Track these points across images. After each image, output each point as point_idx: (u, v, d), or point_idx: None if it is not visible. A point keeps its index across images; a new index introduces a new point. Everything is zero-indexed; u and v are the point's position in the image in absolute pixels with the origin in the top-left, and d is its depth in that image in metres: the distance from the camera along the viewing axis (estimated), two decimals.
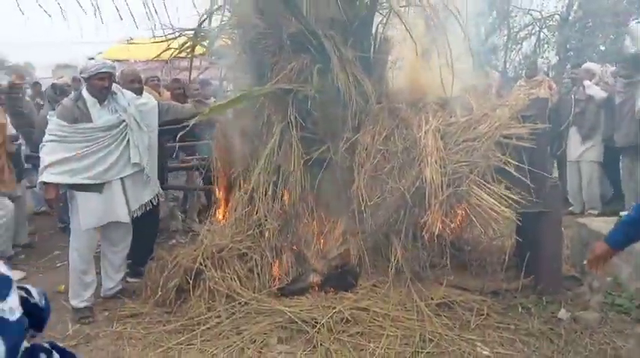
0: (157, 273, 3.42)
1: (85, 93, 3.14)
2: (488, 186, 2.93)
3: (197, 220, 5.07)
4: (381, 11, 3.64)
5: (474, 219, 2.89)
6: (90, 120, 3.09)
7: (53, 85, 5.24)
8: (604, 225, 3.31)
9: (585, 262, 2.01)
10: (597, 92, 5.20)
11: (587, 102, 5.35)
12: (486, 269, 3.31)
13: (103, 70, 3.08)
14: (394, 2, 3.49)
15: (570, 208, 5.61)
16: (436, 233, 2.87)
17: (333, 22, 3.39)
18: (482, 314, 2.80)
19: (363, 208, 3.06)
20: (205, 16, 3.60)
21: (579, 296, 2.94)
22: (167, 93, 5.35)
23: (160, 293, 3.26)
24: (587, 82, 5.40)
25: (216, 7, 3.73)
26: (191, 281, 3.18)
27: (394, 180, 3.02)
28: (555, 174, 5.93)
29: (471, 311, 2.81)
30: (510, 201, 2.90)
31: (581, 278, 3.11)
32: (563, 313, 2.73)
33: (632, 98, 4.85)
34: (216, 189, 3.63)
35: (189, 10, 4.35)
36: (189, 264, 3.24)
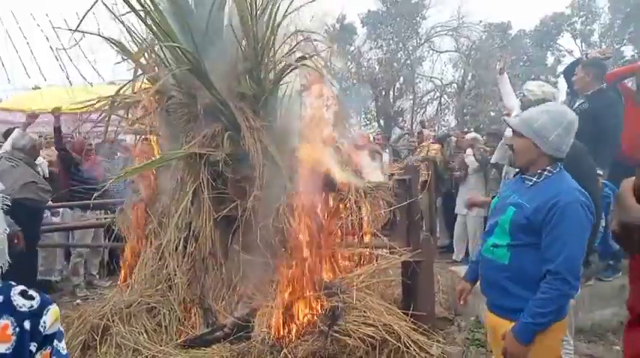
0: None
1: None
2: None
3: (97, 276, 5.08)
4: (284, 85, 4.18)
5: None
6: None
7: None
8: None
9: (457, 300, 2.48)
10: (472, 162, 6.17)
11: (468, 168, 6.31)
12: None
13: None
14: (296, 79, 4.05)
15: (454, 257, 6.38)
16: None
17: (243, 96, 3.84)
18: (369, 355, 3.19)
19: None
20: (124, 85, 3.88)
21: (449, 334, 3.46)
22: None
23: None
24: (468, 151, 6.37)
25: (137, 75, 4.04)
26: (97, 338, 3.25)
27: None
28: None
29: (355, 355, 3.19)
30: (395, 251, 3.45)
31: (452, 318, 3.66)
32: (434, 349, 3.21)
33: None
34: (127, 246, 3.78)
35: (106, 60, 4.56)
36: (96, 321, 3.32)
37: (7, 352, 0.79)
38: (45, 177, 5.42)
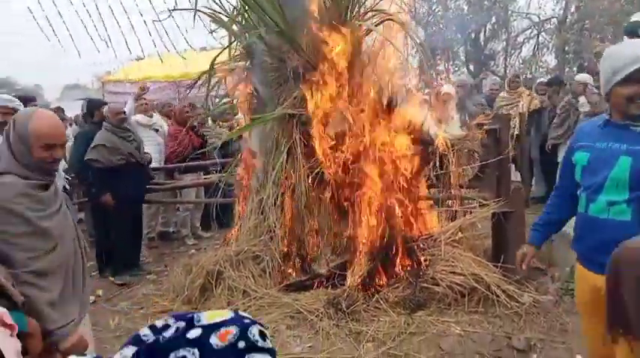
0: (182, 276, 4.01)
1: None
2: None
3: (200, 228, 5.72)
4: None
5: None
6: None
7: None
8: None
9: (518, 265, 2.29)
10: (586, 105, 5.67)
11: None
12: None
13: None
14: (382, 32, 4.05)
15: None
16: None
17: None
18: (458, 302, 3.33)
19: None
20: (220, 53, 4.18)
21: (542, 285, 3.46)
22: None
23: (186, 292, 3.84)
24: (581, 99, 5.83)
25: (230, 42, 4.33)
26: (213, 281, 3.76)
27: None
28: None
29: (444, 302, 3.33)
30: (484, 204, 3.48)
31: (544, 269, 3.63)
32: (525, 298, 3.25)
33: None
34: (239, 201, 4.22)
35: (199, 31, 4.94)
36: (211, 267, 3.82)
37: (219, 348, 0.78)
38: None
